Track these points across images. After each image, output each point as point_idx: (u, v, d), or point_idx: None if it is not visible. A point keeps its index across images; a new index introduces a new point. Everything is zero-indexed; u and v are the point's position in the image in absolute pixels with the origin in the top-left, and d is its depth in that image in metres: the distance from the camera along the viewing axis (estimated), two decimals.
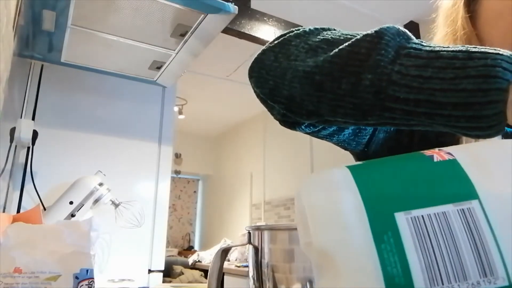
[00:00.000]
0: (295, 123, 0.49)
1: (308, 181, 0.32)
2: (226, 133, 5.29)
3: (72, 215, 1.45)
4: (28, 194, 1.60)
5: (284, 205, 3.97)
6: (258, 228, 0.57)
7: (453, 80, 0.32)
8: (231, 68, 3.41)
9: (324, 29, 0.45)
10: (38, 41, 1.45)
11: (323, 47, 0.42)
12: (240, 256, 3.59)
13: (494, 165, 0.29)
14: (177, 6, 1.25)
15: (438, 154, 0.31)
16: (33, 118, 1.68)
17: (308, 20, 2.26)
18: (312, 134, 0.55)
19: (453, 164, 0.29)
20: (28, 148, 1.61)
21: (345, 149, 0.63)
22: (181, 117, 4.22)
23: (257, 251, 0.54)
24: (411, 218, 0.27)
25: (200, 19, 1.32)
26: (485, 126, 0.32)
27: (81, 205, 1.47)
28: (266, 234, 0.54)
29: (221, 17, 1.31)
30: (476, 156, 0.30)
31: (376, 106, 0.37)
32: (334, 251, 0.27)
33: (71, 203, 1.45)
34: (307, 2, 2.39)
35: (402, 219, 0.26)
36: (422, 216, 0.27)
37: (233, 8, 1.28)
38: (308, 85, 0.41)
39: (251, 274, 0.56)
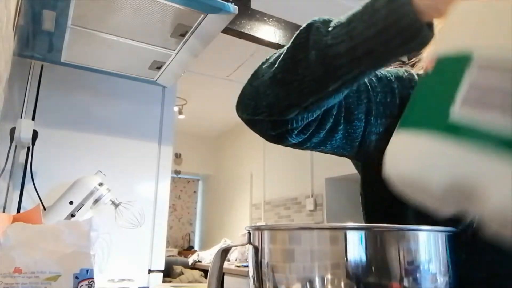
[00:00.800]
0: (285, 133, 0.55)
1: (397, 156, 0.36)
2: (226, 133, 5.29)
3: (72, 215, 1.45)
4: (28, 194, 1.60)
5: (284, 205, 3.97)
6: (258, 228, 0.57)
7: (370, 17, 0.42)
8: (231, 68, 3.41)
9: (279, 50, 0.55)
10: (38, 41, 1.45)
11: (278, 57, 0.52)
12: (240, 256, 3.59)
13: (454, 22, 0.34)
14: (177, 6, 1.25)
15: (428, 66, 0.35)
16: (33, 118, 1.68)
17: (308, 20, 2.25)
18: (304, 143, 0.59)
19: (440, 59, 0.34)
20: (28, 148, 1.61)
21: (343, 155, 0.66)
22: (181, 117, 4.22)
23: (257, 251, 0.54)
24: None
25: (200, 19, 1.32)
26: (413, 36, 0.39)
27: (81, 205, 1.47)
28: (266, 234, 0.54)
29: (221, 17, 1.31)
30: (448, 32, 0.35)
31: (328, 71, 0.46)
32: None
33: (71, 203, 1.45)
34: (307, 2, 2.38)
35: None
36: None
37: (233, 8, 1.28)
38: (275, 86, 0.51)
39: (251, 274, 0.56)
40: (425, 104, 0.34)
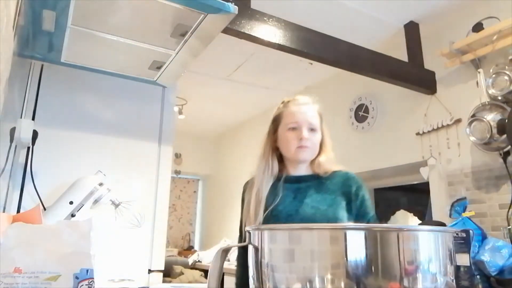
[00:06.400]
0: None
1: None
2: (226, 133, 5.29)
3: (72, 215, 1.45)
4: (28, 194, 1.60)
5: None
6: (258, 228, 0.57)
7: None
8: (231, 68, 3.41)
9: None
10: (38, 41, 1.45)
11: None
12: None
13: None
14: (177, 6, 1.25)
15: None
16: (33, 118, 1.67)
17: (308, 20, 2.25)
18: None
19: None
20: (28, 148, 1.61)
21: None
22: (181, 117, 4.21)
23: (257, 251, 0.54)
24: None
25: (200, 19, 1.32)
26: None
27: (81, 205, 1.47)
28: (266, 234, 0.54)
29: (221, 17, 1.31)
30: None
31: None
32: None
33: (71, 203, 1.45)
34: (307, 2, 2.38)
35: None
36: None
37: (233, 8, 1.28)
38: None
39: (251, 274, 0.56)
40: None
